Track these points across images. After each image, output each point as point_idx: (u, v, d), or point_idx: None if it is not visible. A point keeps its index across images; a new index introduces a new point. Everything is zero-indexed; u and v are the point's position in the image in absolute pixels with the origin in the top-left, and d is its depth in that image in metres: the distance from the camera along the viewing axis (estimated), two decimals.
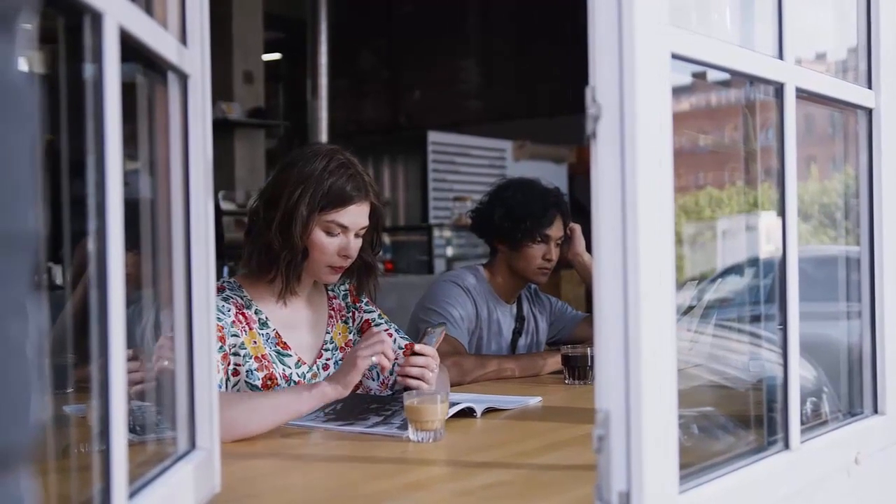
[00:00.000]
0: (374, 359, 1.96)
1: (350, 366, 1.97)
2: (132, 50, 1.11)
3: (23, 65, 0.56)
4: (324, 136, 8.63)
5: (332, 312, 2.37)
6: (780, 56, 1.51)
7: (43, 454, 0.90)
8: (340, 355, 2.32)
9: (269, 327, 2.21)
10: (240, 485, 1.53)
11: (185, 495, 1.28)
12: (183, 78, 1.34)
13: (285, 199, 2.15)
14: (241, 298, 2.21)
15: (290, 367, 2.21)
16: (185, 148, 1.36)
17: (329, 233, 2.18)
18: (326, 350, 2.31)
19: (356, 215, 2.20)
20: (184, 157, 1.36)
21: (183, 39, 1.34)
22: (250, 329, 2.17)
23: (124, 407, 1.03)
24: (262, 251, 2.19)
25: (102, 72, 1.00)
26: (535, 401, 2.34)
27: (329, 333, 2.33)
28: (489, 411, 2.17)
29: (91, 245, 1.01)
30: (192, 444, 1.37)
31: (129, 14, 1.07)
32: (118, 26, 1.02)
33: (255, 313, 2.21)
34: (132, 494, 1.09)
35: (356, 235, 2.22)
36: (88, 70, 1.02)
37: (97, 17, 0.99)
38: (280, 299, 2.24)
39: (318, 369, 2.27)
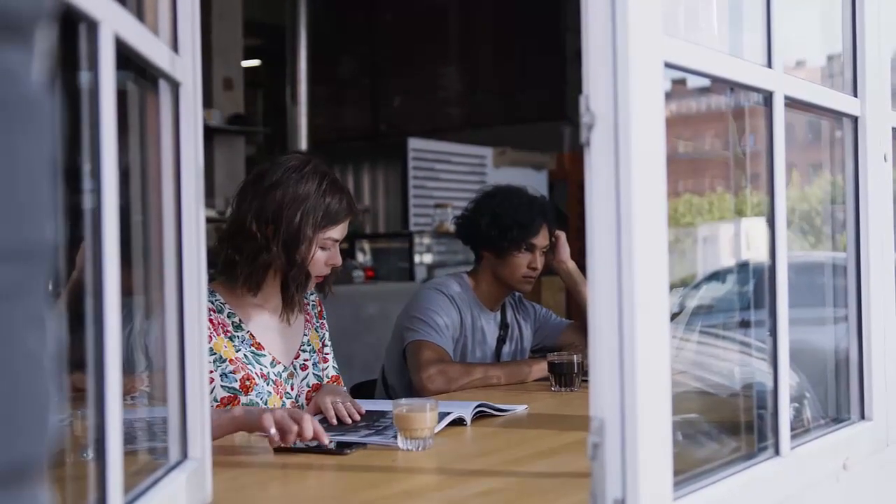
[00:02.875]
0: (272, 431, 1.80)
1: (256, 422, 1.86)
2: (125, 57, 1.11)
3: (39, 77, 0.56)
4: (303, 143, 8.60)
5: (308, 317, 2.45)
6: (769, 65, 1.52)
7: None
8: (317, 357, 2.42)
9: (243, 329, 2.27)
10: (231, 495, 1.52)
11: None
12: (175, 86, 1.34)
13: (286, 221, 2.21)
14: (213, 303, 2.25)
15: (265, 367, 2.26)
16: (177, 156, 1.35)
17: (323, 248, 2.28)
18: (304, 351, 2.40)
19: (345, 228, 2.33)
20: (175, 166, 1.35)
21: (175, 47, 1.34)
22: (218, 334, 2.22)
23: (120, 417, 1.02)
24: (262, 269, 2.24)
25: (98, 79, 1.00)
26: (521, 409, 2.34)
27: (306, 336, 2.41)
28: (479, 417, 2.17)
29: (87, 253, 1.00)
30: (184, 455, 1.36)
31: (124, 22, 1.06)
32: (113, 34, 1.02)
33: (228, 317, 2.26)
34: None
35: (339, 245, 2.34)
36: (83, 77, 1.01)
37: (93, 26, 0.98)
38: (282, 318, 2.32)
39: (294, 369, 2.35)
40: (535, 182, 7.65)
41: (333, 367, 2.50)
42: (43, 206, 0.55)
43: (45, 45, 0.57)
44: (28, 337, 0.53)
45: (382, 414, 2.17)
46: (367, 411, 2.19)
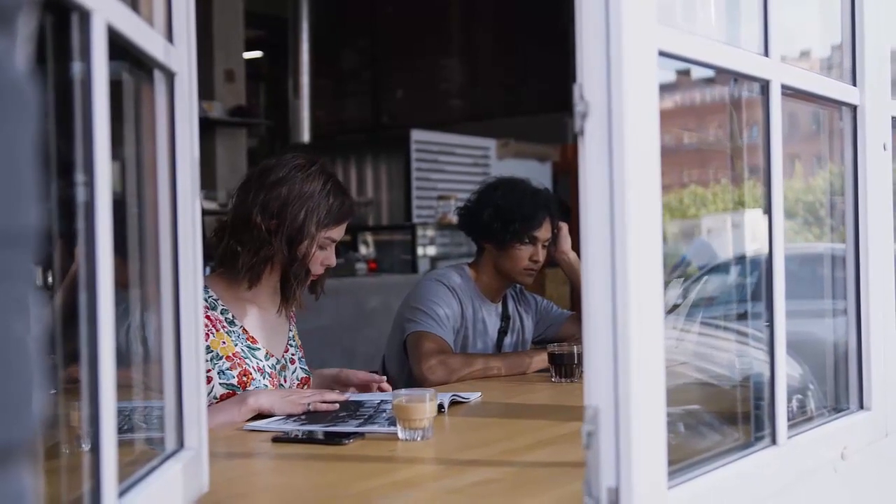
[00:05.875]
0: (310, 407, 2.12)
1: (288, 403, 2.12)
2: (118, 48, 1.11)
3: (22, 63, 0.56)
4: (305, 136, 8.60)
5: (292, 315, 2.49)
6: (766, 53, 1.52)
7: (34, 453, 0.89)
8: (301, 353, 2.48)
9: (236, 325, 2.30)
10: (228, 484, 1.53)
11: (173, 494, 1.28)
12: (170, 76, 1.34)
13: (290, 216, 2.25)
14: (206, 300, 2.26)
15: (261, 360, 2.31)
16: (172, 147, 1.35)
17: (321, 247, 2.32)
18: (291, 345, 2.45)
19: (343, 230, 2.38)
20: (170, 157, 1.35)
21: (169, 37, 1.34)
22: (217, 331, 2.25)
23: (114, 407, 1.03)
24: (263, 262, 2.28)
25: (90, 70, 1.00)
26: (475, 396, 2.37)
27: (291, 332, 2.47)
28: (454, 404, 2.22)
29: (79, 246, 1.00)
30: (181, 444, 1.36)
31: (116, 12, 1.06)
32: (106, 24, 1.02)
33: (221, 313, 2.29)
34: (121, 493, 1.09)
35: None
36: (76, 68, 1.01)
37: (85, 15, 0.98)
38: (279, 311, 2.37)
39: (286, 362, 2.40)
40: (538, 174, 7.65)
41: (303, 368, 2.51)
42: (26, 192, 0.55)
43: (27, 32, 0.58)
44: (12, 321, 0.54)
45: (360, 404, 2.19)
46: (347, 401, 2.22)
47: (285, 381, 2.37)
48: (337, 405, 2.15)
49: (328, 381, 2.48)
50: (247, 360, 2.26)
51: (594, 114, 1.16)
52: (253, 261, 2.26)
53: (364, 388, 2.42)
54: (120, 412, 1.17)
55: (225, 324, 2.28)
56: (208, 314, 2.24)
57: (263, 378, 2.28)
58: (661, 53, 1.24)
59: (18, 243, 0.54)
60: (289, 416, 2.09)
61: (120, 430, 1.13)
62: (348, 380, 2.45)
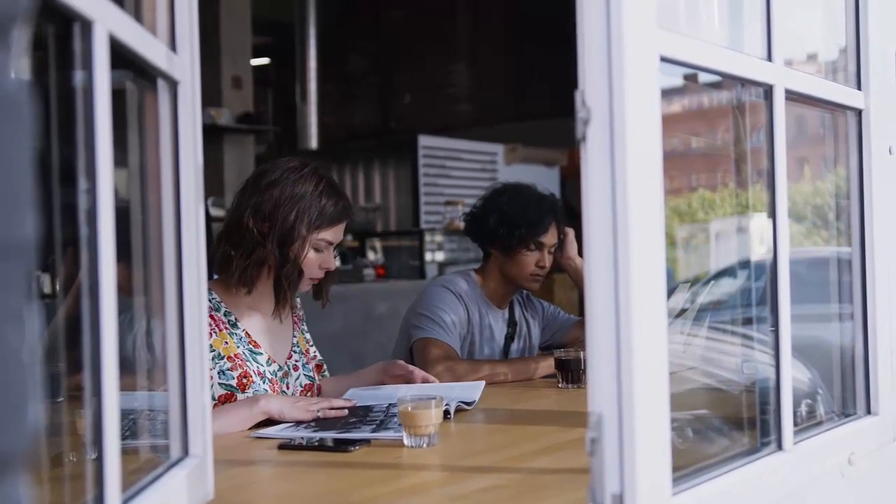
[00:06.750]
0: (319, 414, 2.12)
1: (298, 409, 2.11)
2: (121, 56, 1.11)
3: (18, 73, 0.56)
4: (313, 142, 8.61)
5: (296, 320, 2.50)
6: (769, 58, 1.52)
7: (35, 462, 0.89)
8: (305, 359, 2.46)
9: (239, 328, 2.31)
10: (233, 492, 1.53)
11: (178, 502, 1.28)
12: (173, 85, 1.34)
13: (281, 217, 2.25)
14: (210, 301, 2.27)
15: (262, 365, 2.31)
16: (176, 155, 1.36)
17: (317, 249, 2.32)
18: (295, 352, 2.44)
19: (341, 232, 2.36)
20: (174, 164, 1.36)
21: (172, 46, 1.34)
22: (220, 331, 2.26)
23: (117, 415, 1.03)
24: (256, 265, 2.28)
25: (92, 79, 1.00)
26: (479, 385, 2.41)
27: (295, 338, 2.46)
28: (459, 411, 2.21)
29: (82, 253, 1.00)
30: (185, 451, 1.36)
31: (118, 21, 1.07)
32: (108, 33, 1.02)
33: (225, 315, 2.30)
34: (125, 501, 1.09)
35: (334, 248, 2.38)
36: (78, 77, 1.02)
37: (87, 25, 0.99)
38: (275, 316, 2.36)
39: (288, 368, 2.40)
40: (546, 178, 7.64)
41: (307, 375, 2.51)
42: (23, 203, 0.55)
43: (22, 43, 0.58)
44: (8, 332, 0.54)
45: (369, 409, 2.19)
46: (355, 407, 2.22)
47: (288, 387, 2.37)
48: (346, 412, 2.15)
49: (378, 373, 2.50)
50: (248, 363, 2.27)
51: (596, 120, 1.17)
52: (245, 263, 2.26)
53: (407, 380, 2.45)
54: (124, 416, 1.17)
55: (228, 325, 2.29)
56: (212, 314, 2.25)
57: (263, 382, 2.28)
58: (663, 59, 1.23)
59: (14, 255, 0.54)
60: (298, 422, 2.09)
61: (124, 437, 1.13)
62: (395, 371, 2.48)
